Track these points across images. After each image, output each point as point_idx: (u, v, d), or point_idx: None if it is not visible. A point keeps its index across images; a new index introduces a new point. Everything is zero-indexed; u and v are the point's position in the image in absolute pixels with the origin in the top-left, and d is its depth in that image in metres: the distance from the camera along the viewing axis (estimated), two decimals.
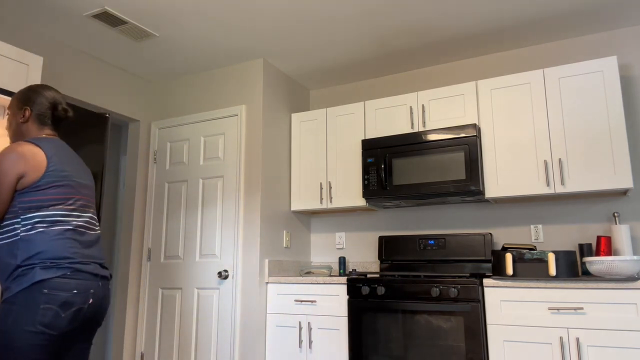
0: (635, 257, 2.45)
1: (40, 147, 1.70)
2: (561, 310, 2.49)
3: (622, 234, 2.78)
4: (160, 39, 3.31)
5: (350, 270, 3.68)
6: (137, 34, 3.22)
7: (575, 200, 3.12)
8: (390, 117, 3.43)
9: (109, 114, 3.02)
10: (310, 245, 3.96)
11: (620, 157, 2.74)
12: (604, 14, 3.01)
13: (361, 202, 3.43)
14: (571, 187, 2.83)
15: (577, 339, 2.42)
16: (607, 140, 2.79)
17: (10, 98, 2.39)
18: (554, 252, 2.59)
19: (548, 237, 3.16)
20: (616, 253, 2.80)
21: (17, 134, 1.82)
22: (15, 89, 2.51)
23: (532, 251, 2.66)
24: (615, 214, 2.92)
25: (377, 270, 3.61)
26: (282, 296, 3.28)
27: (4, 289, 1.60)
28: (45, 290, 1.55)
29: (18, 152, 1.65)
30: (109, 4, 2.87)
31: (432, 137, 3.15)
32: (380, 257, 3.50)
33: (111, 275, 1.82)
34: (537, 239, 3.18)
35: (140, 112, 3.95)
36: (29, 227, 1.62)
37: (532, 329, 2.53)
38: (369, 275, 3.03)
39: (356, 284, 3.00)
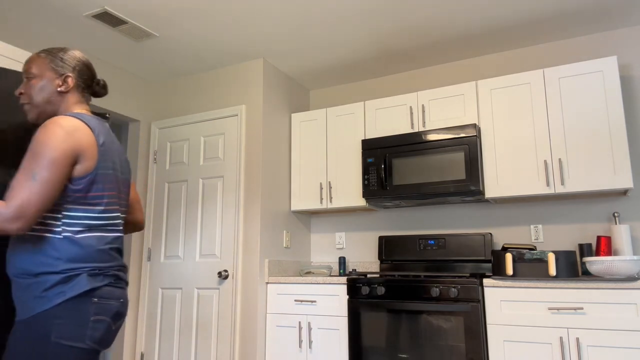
0: (635, 257, 2.45)
1: (90, 127, 1.40)
2: (561, 310, 2.49)
3: (622, 234, 2.78)
4: (160, 39, 3.31)
5: (350, 270, 3.69)
6: (137, 34, 3.22)
7: (575, 200, 3.12)
8: (390, 117, 3.43)
9: (109, 114, 3.02)
10: (310, 245, 3.96)
11: (620, 157, 2.74)
12: (604, 14, 3.01)
13: (361, 202, 3.42)
14: (571, 187, 2.83)
15: (577, 339, 2.42)
16: (607, 140, 2.79)
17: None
18: (554, 252, 2.59)
19: (548, 237, 3.16)
20: (616, 253, 2.80)
21: (47, 104, 1.47)
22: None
23: (532, 251, 2.66)
24: (615, 214, 2.92)
25: (377, 270, 3.61)
26: (282, 296, 3.28)
27: (34, 297, 1.30)
28: (96, 299, 1.32)
29: (68, 129, 1.33)
30: (109, 4, 2.87)
31: (432, 137, 3.15)
32: (380, 257, 3.50)
33: None
34: (537, 239, 3.18)
35: (140, 112, 3.95)
36: (72, 226, 1.34)
37: (532, 329, 2.53)
38: (368, 275, 3.03)
39: (356, 284, 3.00)
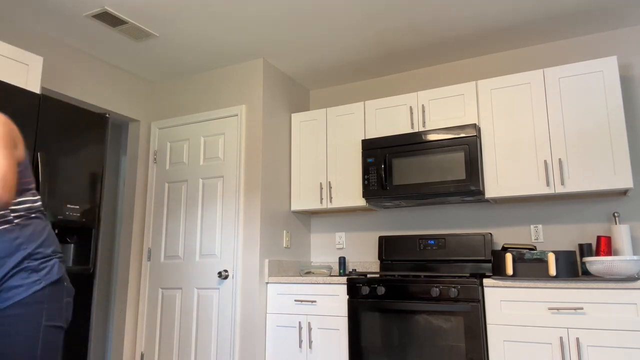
0: (635, 257, 2.45)
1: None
2: (561, 310, 2.49)
3: (622, 234, 2.78)
4: (160, 39, 3.31)
5: (350, 270, 3.69)
6: (137, 34, 3.22)
7: (575, 200, 3.12)
8: (390, 117, 3.43)
9: (109, 114, 3.03)
10: (310, 245, 3.96)
11: (620, 157, 2.74)
12: (604, 14, 3.01)
13: (361, 202, 3.42)
14: (571, 187, 2.83)
15: (577, 339, 2.42)
16: (607, 140, 2.79)
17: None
18: (554, 252, 2.59)
19: (548, 237, 3.16)
20: (616, 253, 2.80)
21: None
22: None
23: (532, 251, 2.66)
24: (615, 214, 2.92)
25: (377, 270, 3.61)
26: (282, 296, 3.28)
27: (8, 287, 1.35)
28: (65, 283, 1.44)
29: (3, 119, 1.39)
30: (109, 4, 2.87)
31: (432, 137, 3.15)
32: (380, 257, 3.50)
33: None
34: (537, 239, 3.18)
35: (140, 112, 3.95)
36: (23, 212, 1.39)
37: (532, 329, 2.53)
38: (369, 275, 3.03)
39: (356, 284, 3.00)
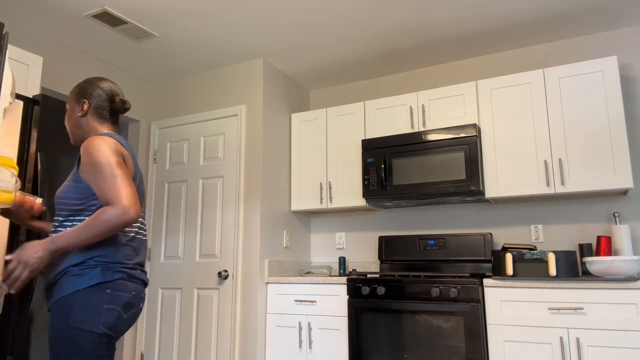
0: (635, 257, 2.45)
1: (121, 144, 1.59)
2: (561, 310, 2.49)
3: (622, 234, 2.78)
4: (160, 39, 3.31)
5: (350, 270, 3.69)
6: (137, 34, 3.22)
7: (575, 200, 3.12)
8: (390, 117, 3.43)
9: None
10: (310, 245, 3.96)
11: (620, 157, 2.74)
12: (604, 14, 3.01)
13: (361, 202, 3.42)
14: (571, 187, 2.83)
15: (577, 339, 2.42)
16: (607, 140, 2.79)
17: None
18: (554, 252, 2.59)
19: (548, 237, 3.16)
20: (616, 253, 2.80)
21: (76, 128, 1.71)
22: (16, 89, 2.50)
23: (532, 251, 2.66)
24: (615, 214, 2.92)
25: (377, 270, 3.61)
26: (282, 296, 3.28)
27: (52, 283, 1.51)
28: (109, 291, 1.49)
29: (108, 142, 1.54)
30: (109, 4, 2.87)
31: (432, 137, 3.15)
32: (380, 257, 3.50)
33: None
34: (537, 239, 3.18)
35: (140, 112, 3.95)
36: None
37: (532, 329, 2.53)
38: (369, 275, 3.03)
39: (356, 284, 3.00)
